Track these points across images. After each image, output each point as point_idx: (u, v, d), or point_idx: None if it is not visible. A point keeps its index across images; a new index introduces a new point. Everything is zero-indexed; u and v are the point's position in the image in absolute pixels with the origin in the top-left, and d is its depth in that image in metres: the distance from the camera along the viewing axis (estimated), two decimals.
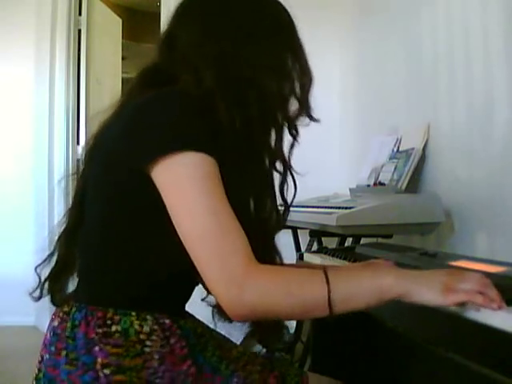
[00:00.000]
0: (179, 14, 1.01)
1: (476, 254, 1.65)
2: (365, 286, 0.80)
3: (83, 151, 1.01)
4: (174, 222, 0.82)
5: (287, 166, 0.98)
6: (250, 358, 0.97)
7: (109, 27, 4.05)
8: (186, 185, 0.81)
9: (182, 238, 0.81)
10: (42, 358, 0.90)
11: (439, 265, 1.08)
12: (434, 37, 2.06)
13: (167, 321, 0.89)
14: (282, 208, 1.01)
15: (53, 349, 0.88)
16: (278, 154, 0.96)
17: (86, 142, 1.01)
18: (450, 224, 1.85)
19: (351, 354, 1.40)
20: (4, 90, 3.37)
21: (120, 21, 4.26)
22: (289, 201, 1.01)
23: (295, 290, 0.80)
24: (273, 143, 0.96)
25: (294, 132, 0.98)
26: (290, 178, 0.99)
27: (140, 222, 0.89)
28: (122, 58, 4.30)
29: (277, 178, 0.99)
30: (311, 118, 0.98)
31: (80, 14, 3.49)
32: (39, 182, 3.33)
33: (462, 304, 0.77)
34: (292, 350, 2.31)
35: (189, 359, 0.88)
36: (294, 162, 0.98)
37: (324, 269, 0.81)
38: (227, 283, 0.77)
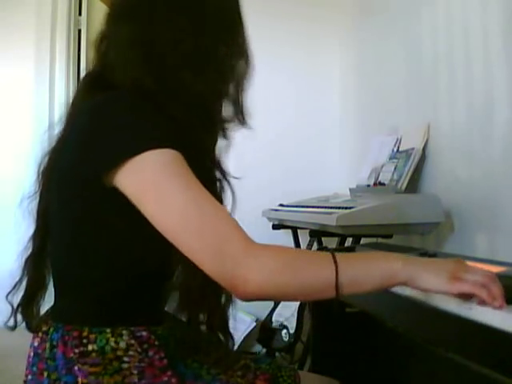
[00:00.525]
0: (111, 15, 0.95)
1: (476, 254, 1.65)
2: (373, 269, 0.79)
3: (38, 171, 0.97)
4: (154, 223, 0.79)
5: (222, 171, 0.94)
6: (230, 361, 0.94)
7: None
8: (160, 182, 0.78)
9: (168, 237, 0.79)
10: (27, 377, 0.89)
11: None
12: (433, 37, 2.06)
13: (144, 333, 0.87)
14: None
15: (35, 369, 0.87)
16: (213, 157, 0.93)
17: (40, 162, 0.97)
18: (449, 224, 1.85)
19: (351, 354, 1.40)
20: (4, 91, 3.36)
21: None
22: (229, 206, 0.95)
23: (301, 268, 0.78)
24: (210, 145, 0.93)
25: (227, 135, 0.95)
26: (227, 183, 0.94)
27: (108, 228, 0.86)
28: None
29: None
30: (244, 122, 0.94)
31: (80, 14, 3.49)
32: None
33: (466, 296, 0.77)
34: (292, 350, 2.31)
35: (169, 370, 0.86)
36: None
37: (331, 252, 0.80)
38: (231, 266, 0.76)
